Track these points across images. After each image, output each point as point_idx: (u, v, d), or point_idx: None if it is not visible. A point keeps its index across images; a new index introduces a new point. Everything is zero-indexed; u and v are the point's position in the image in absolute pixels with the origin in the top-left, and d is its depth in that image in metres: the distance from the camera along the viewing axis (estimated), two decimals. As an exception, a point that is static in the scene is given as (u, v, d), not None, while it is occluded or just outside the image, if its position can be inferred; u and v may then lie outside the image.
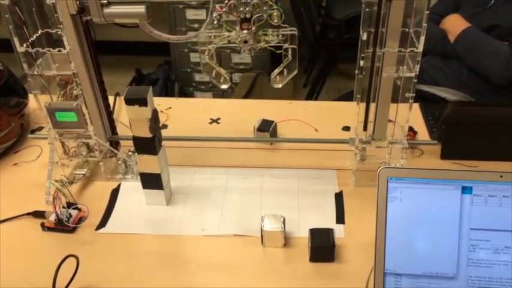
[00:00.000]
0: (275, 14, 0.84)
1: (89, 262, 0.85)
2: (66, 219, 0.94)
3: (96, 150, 1.03)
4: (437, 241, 0.74)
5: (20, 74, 1.11)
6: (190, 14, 2.62)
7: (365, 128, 0.98)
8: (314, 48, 2.72)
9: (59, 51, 0.92)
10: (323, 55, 2.78)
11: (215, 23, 0.86)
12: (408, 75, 0.90)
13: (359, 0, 0.83)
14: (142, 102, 0.87)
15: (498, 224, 0.72)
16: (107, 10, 0.87)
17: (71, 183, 1.01)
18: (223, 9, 0.84)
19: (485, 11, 1.60)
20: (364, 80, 0.91)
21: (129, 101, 0.87)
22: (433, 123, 1.20)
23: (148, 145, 0.92)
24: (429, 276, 0.74)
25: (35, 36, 0.91)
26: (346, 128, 1.19)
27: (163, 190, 0.98)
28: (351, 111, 0.97)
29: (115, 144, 1.09)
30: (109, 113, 1.05)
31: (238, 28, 0.86)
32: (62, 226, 0.94)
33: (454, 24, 1.61)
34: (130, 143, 0.93)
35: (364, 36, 0.87)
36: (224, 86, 0.96)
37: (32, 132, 1.22)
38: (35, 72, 0.94)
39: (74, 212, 0.95)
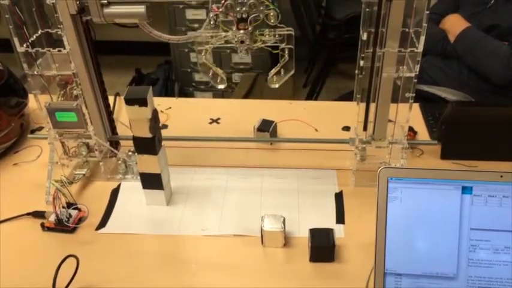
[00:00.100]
0: (271, 14, 0.84)
1: (89, 262, 0.85)
2: (66, 220, 0.94)
3: (96, 150, 1.03)
4: (437, 241, 0.74)
5: (20, 74, 1.11)
6: (190, 14, 2.63)
7: (365, 128, 0.98)
8: (314, 48, 2.72)
9: (59, 51, 0.92)
10: (323, 55, 2.78)
11: (212, 23, 0.86)
12: (408, 75, 0.90)
13: (359, 0, 0.83)
14: (142, 102, 0.87)
15: (498, 224, 0.72)
16: (106, 10, 0.87)
17: (71, 183, 1.01)
18: (220, 9, 0.84)
19: (485, 11, 1.60)
20: (364, 80, 0.91)
21: (129, 101, 0.87)
22: (433, 123, 1.20)
23: (148, 145, 0.92)
24: (429, 276, 0.74)
25: (35, 36, 0.91)
26: (346, 128, 1.19)
27: (163, 190, 0.98)
28: (351, 111, 0.97)
29: (115, 144, 1.09)
30: (109, 113, 1.05)
31: (234, 28, 0.86)
32: (61, 226, 0.94)
33: (454, 24, 1.61)
34: (130, 143, 0.93)
35: (364, 36, 0.87)
36: (221, 86, 0.96)
37: (32, 132, 1.22)
38: (35, 72, 0.94)
39: (73, 212, 0.95)
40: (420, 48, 0.86)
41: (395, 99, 0.93)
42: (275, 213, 0.90)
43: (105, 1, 0.86)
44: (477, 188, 0.72)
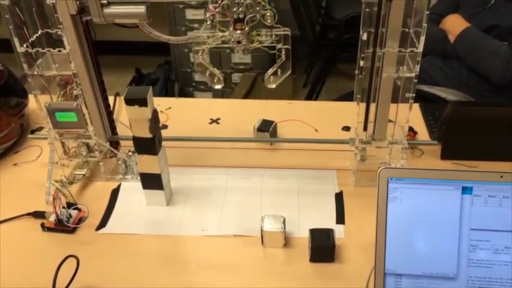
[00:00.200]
0: (268, 14, 0.84)
1: (89, 262, 0.85)
2: (66, 220, 0.94)
3: (96, 150, 1.03)
4: (437, 241, 0.74)
5: (20, 74, 1.11)
6: (190, 14, 2.63)
7: (365, 128, 0.98)
8: (314, 48, 2.72)
9: (59, 51, 0.92)
10: (323, 55, 2.78)
11: (208, 23, 0.86)
12: (408, 76, 0.90)
13: (359, 0, 0.83)
14: (142, 102, 0.87)
15: (498, 224, 0.72)
16: (107, 10, 0.87)
17: (71, 183, 1.01)
18: (217, 10, 0.84)
19: (485, 11, 1.60)
20: (364, 80, 0.91)
21: (129, 101, 0.87)
22: (433, 124, 1.20)
23: (148, 145, 0.92)
24: (429, 277, 0.74)
25: (35, 37, 0.91)
26: (346, 128, 1.19)
27: (163, 190, 0.98)
28: (351, 112, 0.97)
29: (115, 144, 1.09)
30: (109, 113, 1.05)
31: (231, 28, 0.86)
32: (62, 226, 0.94)
33: (454, 24, 1.61)
34: (130, 143, 0.93)
35: (364, 37, 0.87)
36: (218, 86, 0.96)
37: (32, 132, 1.22)
38: (35, 73, 0.94)
39: (74, 212, 0.95)
40: (420, 48, 0.86)
41: (395, 100, 0.93)
42: (275, 214, 0.90)
43: (105, 1, 0.86)
44: (477, 188, 0.72)
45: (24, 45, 0.91)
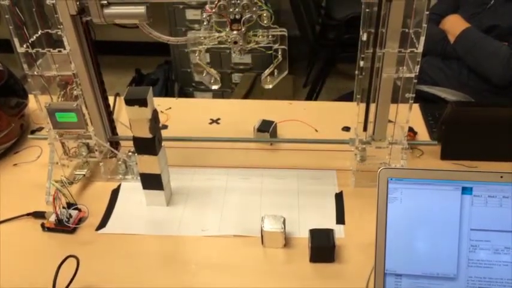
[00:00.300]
0: (265, 14, 0.84)
1: (89, 262, 0.85)
2: (66, 220, 0.94)
3: (96, 150, 1.03)
4: (437, 242, 0.74)
5: (20, 75, 1.11)
6: (190, 14, 2.63)
7: (365, 129, 0.98)
8: (314, 48, 2.72)
9: (59, 51, 0.92)
10: (323, 55, 2.78)
11: (205, 23, 0.86)
12: (408, 76, 0.90)
13: (359, 0, 0.83)
14: (142, 102, 0.87)
15: (498, 224, 0.72)
16: (107, 11, 0.87)
17: (71, 183, 1.01)
18: (213, 10, 0.84)
19: (485, 12, 1.60)
20: (364, 80, 0.91)
21: (129, 102, 0.87)
22: (433, 124, 1.20)
23: (148, 145, 0.92)
24: (429, 277, 0.74)
25: (35, 37, 0.91)
26: (346, 129, 1.19)
27: (163, 191, 0.98)
28: (350, 112, 0.97)
29: (115, 144, 1.09)
30: (109, 113, 1.05)
31: (228, 29, 0.86)
32: (62, 226, 0.94)
33: (454, 25, 1.61)
34: (131, 143, 0.94)
35: (364, 37, 0.87)
36: (215, 87, 0.96)
37: (32, 132, 1.22)
38: (35, 73, 0.94)
39: (74, 213, 0.95)
40: (420, 48, 0.86)
41: (395, 100, 0.93)
42: (275, 214, 0.90)
43: (105, 1, 0.86)
44: (477, 189, 0.72)
45: (24, 46, 0.91)
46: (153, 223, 0.97)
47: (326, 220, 0.95)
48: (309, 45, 2.62)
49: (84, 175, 1.05)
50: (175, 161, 1.04)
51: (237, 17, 0.85)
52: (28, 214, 0.97)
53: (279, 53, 0.89)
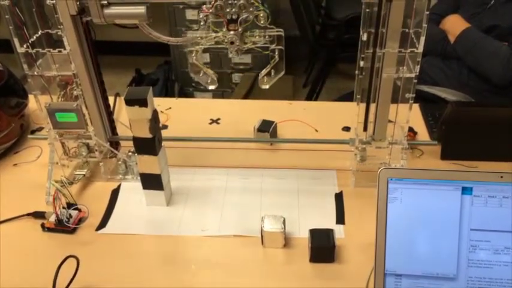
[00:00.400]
0: (261, 15, 0.85)
1: (89, 263, 0.85)
2: (66, 220, 0.94)
3: (96, 150, 1.03)
4: (437, 242, 0.74)
5: (20, 75, 1.11)
6: (190, 14, 2.63)
7: (365, 129, 0.98)
8: (314, 48, 2.72)
9: (59, 51, 0.92)
10: (323, 55, 2.78)
11: (202, 24, 0.86)
12: (408, 76, 0.90)
13: (359, 0, 0.83)
14: (143, 102, 0.87)
15: (498, 224, 0.72)
16: (107, 11, 0.87)
17: (71, 183, 1.01)
18: (210, 10, 0.84)
19: (485, 12, 1.60)
20: (364, 80, 0.91)
21: (129, 102, 0.87)
22: (433, 124, 1.20)
23: (148, 145, 0.92)
24: (429, 277, 0.74)
25: (35, 37, 0.91)
26: (346, 129, 1.19)
27: (163, 191, 0.98)
28: (351, 112, 0.97)
29: (115, 144, 1.09)
30: (109, 114, 1.05)
31: (225, 29, 0.86)
32: (62, 227, 0.94)
33: (454, 25, 1.61)
34: (131, 143, 0.94)
35: (364, 37, 0.87)
36: (212, 87, 0.96)
37: (32, 132, 1.22)
38: (35, 73, 0.94)
39: (74, 213, 0.95)
40: (420, 48, 0.86)
41: (395, 100, 0.93)
42: (275, 214, 0.90)
43: (105, 2, 0.86)
44: (477, 189, 0.72)
45: (24, 46, 0.91)
46: (153, 223, 0.97)
47: (326, 220, 0.95)
48: (309, 45, 2.62)
49: (84, 175, 1.05)
50: (175, 161, 1.04)
51: (233, 17, 0.85)
52: (28, 214, 0.97)
53: (276, 53, 0.89)
